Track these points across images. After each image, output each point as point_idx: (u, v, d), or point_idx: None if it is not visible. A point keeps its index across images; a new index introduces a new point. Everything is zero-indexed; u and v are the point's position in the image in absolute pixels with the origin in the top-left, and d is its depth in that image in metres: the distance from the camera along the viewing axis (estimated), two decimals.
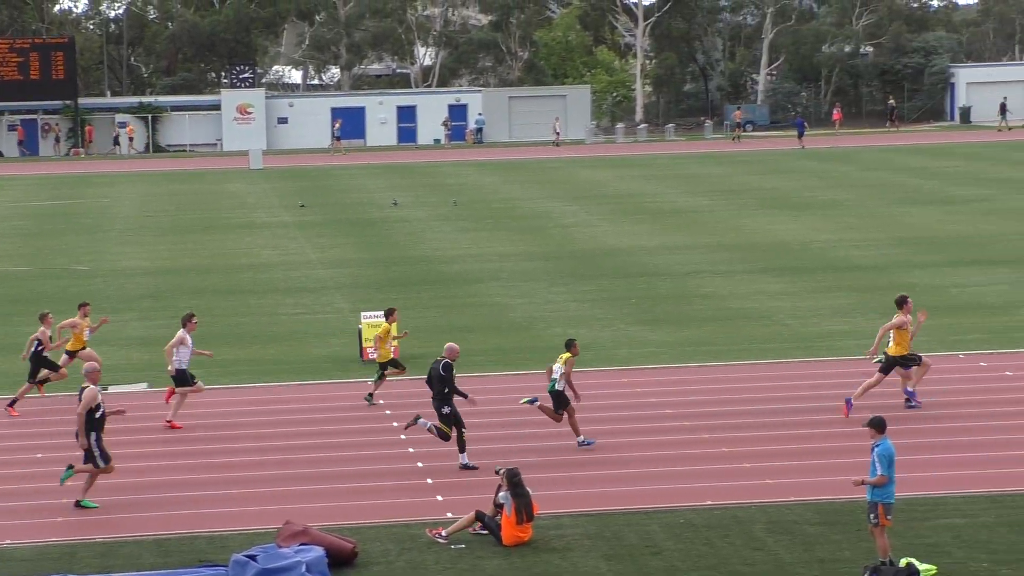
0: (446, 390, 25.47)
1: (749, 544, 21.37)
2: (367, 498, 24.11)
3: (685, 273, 46.55)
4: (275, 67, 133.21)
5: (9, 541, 22.40)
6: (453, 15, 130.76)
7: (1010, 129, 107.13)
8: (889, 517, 19.76)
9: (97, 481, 24.04)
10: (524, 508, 21.72)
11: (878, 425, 19.93)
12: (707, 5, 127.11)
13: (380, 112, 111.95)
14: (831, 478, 24.04)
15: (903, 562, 19.96)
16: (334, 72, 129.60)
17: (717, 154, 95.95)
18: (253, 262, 51.82)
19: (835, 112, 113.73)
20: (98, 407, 23.84)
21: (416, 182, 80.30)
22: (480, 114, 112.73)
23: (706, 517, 22.57)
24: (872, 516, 19.81)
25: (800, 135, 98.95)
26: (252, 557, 20.71)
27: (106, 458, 23.91)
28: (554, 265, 49.09)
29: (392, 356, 30.47)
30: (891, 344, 28.31)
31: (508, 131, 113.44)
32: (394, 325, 30.69)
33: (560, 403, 26.59)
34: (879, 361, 28.61)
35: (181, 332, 29.13)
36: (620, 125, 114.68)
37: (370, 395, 30.36)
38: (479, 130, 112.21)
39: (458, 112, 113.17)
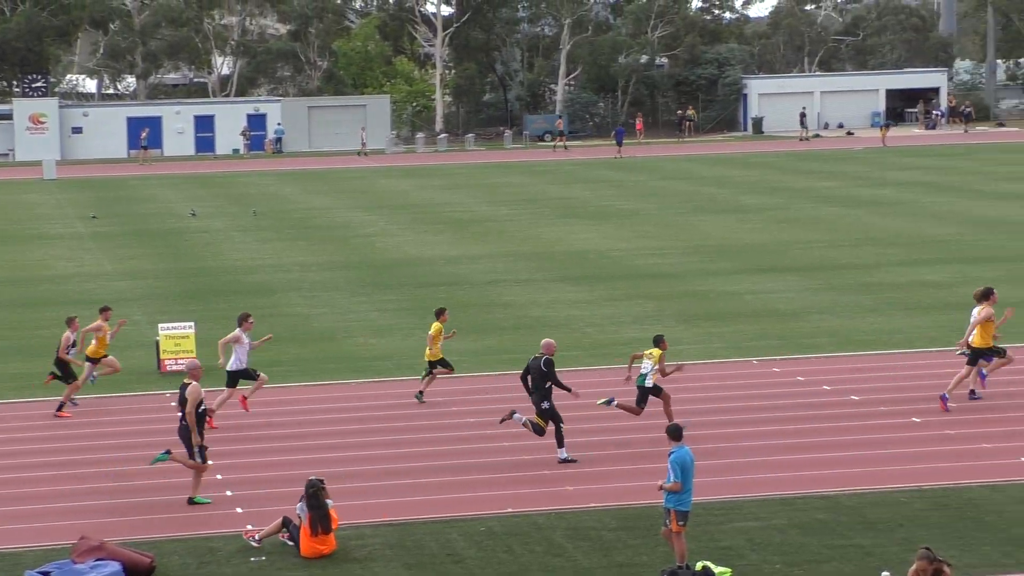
0: (547, 385, 25.85)
1: (549, 551, 21.57)
2: (165, 512, 23.82)
3: (486, 282, 46.80)
4: (69, 76, 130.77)
5: None
6: (251, 24, 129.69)
7: (810, 139, 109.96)
8: (681, 523, 20.05)
9: None
10: (319, 520, 21.61)
11: (674, 433, 20.25)
12: (505, 16, 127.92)
13: (177, 122, 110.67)
14: (630, 484, 24.38)
15: (699, 566, 20.31)
16: (130, 81, 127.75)
17: (517, 163, 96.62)
18: (48, 274, 50.91)
19: (637, 122, 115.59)
20: (200, 403, 23.93)
21: (215, 192, 79.53)
22: (279, 124, 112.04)
23: (507, 524, 22.72)
24: (666, 521, 20.14)
25: (619, 143, 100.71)
26: (46, 574, 20.34)
27: (203, 456, 23.98)
28: (356, 275, 49.01)
29: (441, 355, 30.66)
30: (975, 336, 28.99)
31: (308, 141, 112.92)
32: (444, 324, 30.72)
33: (643, 398, 27.32)
34: (963, 354, 29.49)
35: (238, 331, 29.32)
36: (420, 135, 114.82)
37: (420, 392, 30.68)
38: (278, 140, 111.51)
39: (257, 122, 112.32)
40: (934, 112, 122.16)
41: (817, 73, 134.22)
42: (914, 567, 16.91)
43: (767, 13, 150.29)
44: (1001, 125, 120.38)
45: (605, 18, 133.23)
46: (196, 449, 23.87)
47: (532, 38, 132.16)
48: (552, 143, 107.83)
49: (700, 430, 27.27)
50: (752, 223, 60.41)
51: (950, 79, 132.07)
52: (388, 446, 27.53)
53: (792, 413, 29.18)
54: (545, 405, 25.98)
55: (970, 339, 29.16)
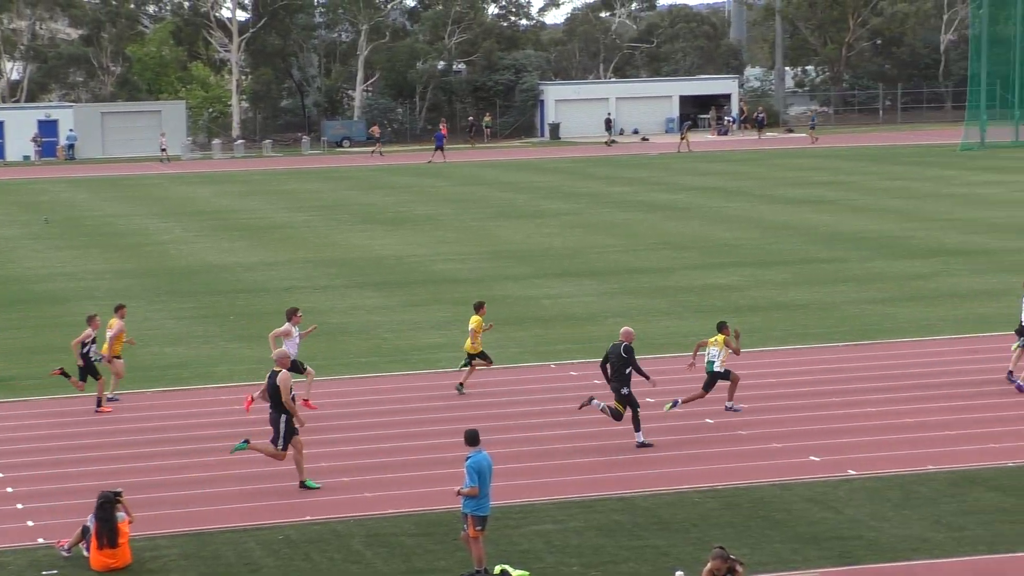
0: (627, 371, 26.46)
1: (348, 558, 21.53)
2: None
3: (284, 288, 46.52)
4: None
5: None
6: (41, 28, 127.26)
7: (613, 143, 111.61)
8: (479, 528, 20.17)
9: None
10: (106, 533, 21.25)
11: (471, 439, 20.35)
12: (302, 22, 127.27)
13: None
14: (428, 489, 24.43)
15: (497, 569, 20.44)
16: None
17: (315, 170, 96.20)
18: None
19: (441, 127, 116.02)
20: (290, 390, 24.46)
21: (5, 200, 77.87)
22: (72, 130, 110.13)
23: (305, 532, 22.62)
24: (464, 526, 20.24)
25: (439, 148, 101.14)
26: None
27: (286, 443, 24.49)
28: (151, 283, 48.37)
29: (482, 348, 31.32)
30: None
31: (102, 147, 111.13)
32: (483, 317, 31.39)
33: (711, 383, 28.59)
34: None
35: (287, 325, 29.95)
36: (217, 141, 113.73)
37: (460, 384, 31.39)
38: (71, 146, 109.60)
39: (48, 128, 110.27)
40: (726, 118, 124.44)
41: (612, 79, 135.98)
42: (708, 566, 17.21)
43: (563, 20, 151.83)
44: (790, 131, 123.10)
45: (402, 24, 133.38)
46: (281, 437, 24.39)
47: (329, 44, 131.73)
48: (374, 149, 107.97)
49: (501, 434, 27.45)
50: (550, 228, 60.93)
51: (741, 86, 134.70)
52: (185, 456, 27.21)
53: (589, 416, 29.48)
54: (624, 391, 26.71)
55: None
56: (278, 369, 24.76)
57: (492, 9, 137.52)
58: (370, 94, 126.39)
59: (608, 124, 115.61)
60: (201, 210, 71.09)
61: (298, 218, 66.80)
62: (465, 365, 31.65)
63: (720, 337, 28.79)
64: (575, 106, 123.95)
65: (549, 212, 66.93)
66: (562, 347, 36.51)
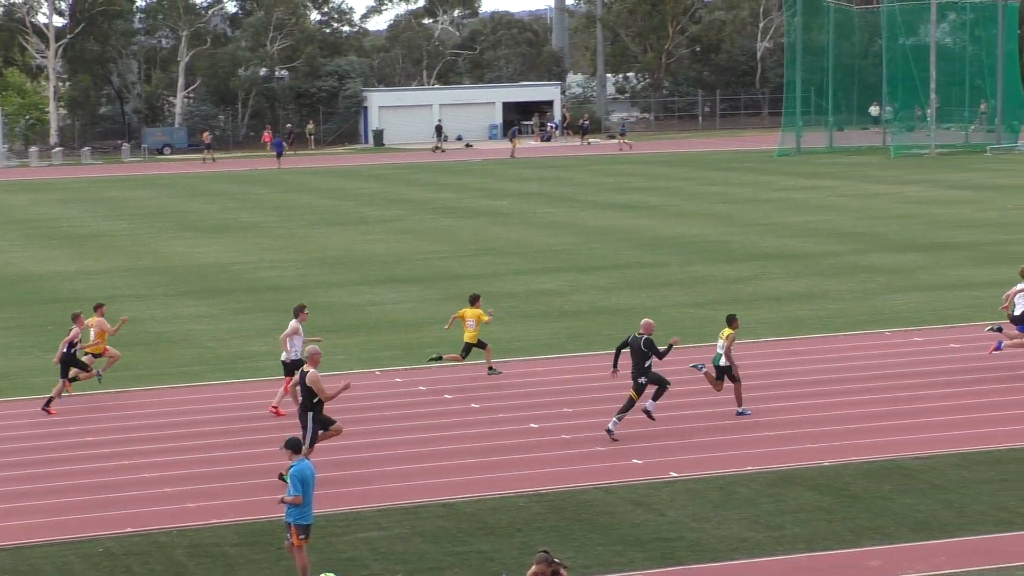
0: (647, 363, 27.20)
1: (170, 569, 21.29)
2: None
3: (105, 297, 45.68)
4: None
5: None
6: None
7: (443, 150, 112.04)
8: (303, 536, 20.07)
9: None
10: None
11: (293, 447, 20.24)
12: (121, 28, 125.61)
13: None
14: (251, 498, 24.26)
15: None
16: None
17: (136, 177, 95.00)
18: None
19: (265, 134, 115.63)
20: (321, 386, 24.75)
21: None
22: None
23: (126, 544, 22.31)
24: (288, 535, 20.12)
25: (279, 155, 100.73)
26: None
27: (312, 443, 24.72)
28: None
29: (479, 339, 32.82)
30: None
31: None
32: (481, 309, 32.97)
33: (721, 374, 28.78)
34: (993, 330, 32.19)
35: (294, 323, 30.00)
36: (34, 148, 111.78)
37: (491, 368, 33.28)
38: None
39: None
40: (549, 124, 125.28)
41: (436, 86, 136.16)
42: (532, 570, 17.29)
43: (386, 27, 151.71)
44: (612, 137, 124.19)
45: (224, 30, 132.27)
46: (308, 436, 24.55)
47: (149, 50, 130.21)
48: (203, 156, 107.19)
49: (324, 442, 27.30)
50: (374, 234, 60.86)
51: (563, 92, 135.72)
52: (7, 468, 26.71)
53: (413, 423, 29.50)
54: (642, 380, 27.35)
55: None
56: (307, 369, 24.96)
57: (314, 15, 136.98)
58: (191, 101, 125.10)
59: (439, 131, 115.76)
60: (18, 218, 69.82)
61: (118, 226, 65.90)
62: (466, 351, 32.97)
63: (726, 331, 28.91)
64: (399, 113, 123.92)
65: (373, 219, 66.83)
66: (387, 354, 36.47)
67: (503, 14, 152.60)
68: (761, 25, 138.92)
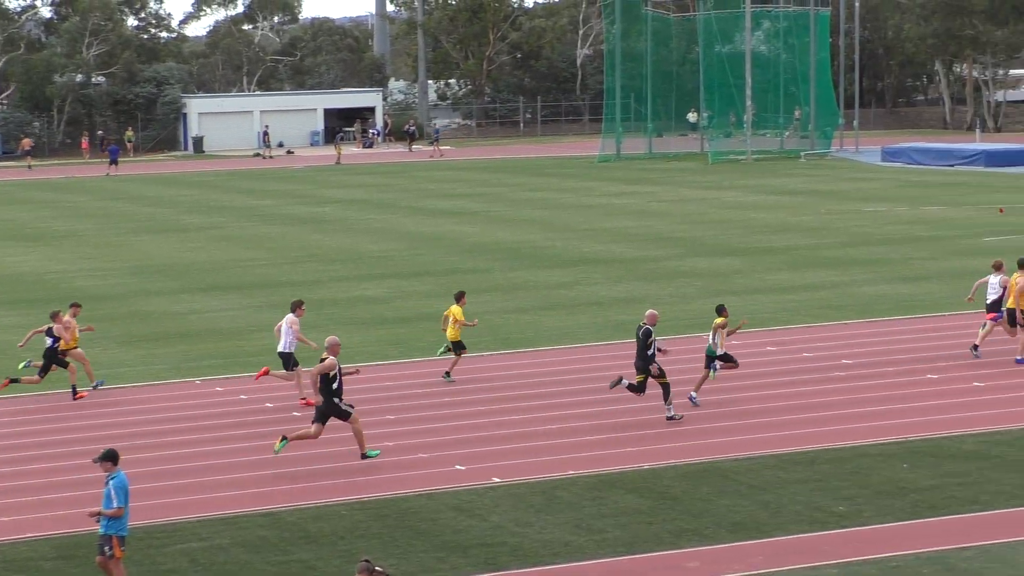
0: (649, 352, 28.55)
1: None
2: None
3: None
4: None
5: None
6: None
7: (271, 157, 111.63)
8: (123, 548, 19.79)
9: None
10: None
11: (111, 458, 19.90)
12: None
13: None
14: (68, 511, 23.84)
15: None
16: None
17: None
18: None
19: (83, 141, 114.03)
20: (335, 377, 25.88)
21: None
22: None
23: None
24: (107, 548, 19.74)
25: (113, 162, 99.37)
26: None
27: (349, 414, 26.13)
28: None
29: (460, 338, 32.86)
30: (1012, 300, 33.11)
31: None
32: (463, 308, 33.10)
33: (712, 363, 30.16)
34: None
35: (291, 316, 30.64)
36: None
37: (447, 372, 33.15)
38: None
39: None
40: (371, 131, 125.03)
41: (257, 92, 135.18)
42: None
43: (205, 33, 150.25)
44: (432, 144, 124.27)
45: (38, 36, 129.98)
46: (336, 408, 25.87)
47: None
48: (27, 163, 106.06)
49: (141, 452, 27.01)
50: (194, 242, 60.22)
51: (385, 99, 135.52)
52: None
53: (235, 432, 29.24)
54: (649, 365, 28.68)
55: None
56: (325, 356, 25.89)
57: (131, 21, 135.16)
58: (5, 107, 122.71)
59: (266, 137, 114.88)
60: None
61: None
62: (444, 353, 33.23)
63: (717, 320, 30.04)
64: (219, 119, 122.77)
65: (193, 226, 66.14)
66: (208, 363, 36.10)
67: (324, 20, 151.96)
68: (581, 32, 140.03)
